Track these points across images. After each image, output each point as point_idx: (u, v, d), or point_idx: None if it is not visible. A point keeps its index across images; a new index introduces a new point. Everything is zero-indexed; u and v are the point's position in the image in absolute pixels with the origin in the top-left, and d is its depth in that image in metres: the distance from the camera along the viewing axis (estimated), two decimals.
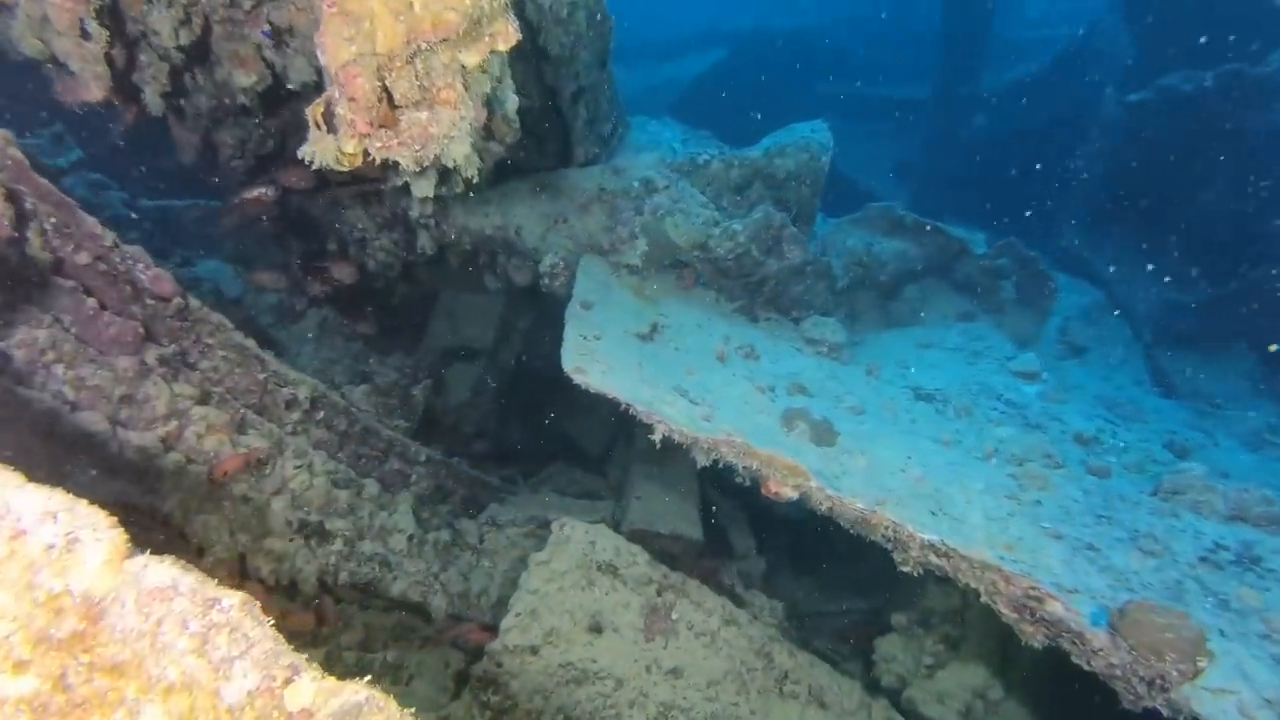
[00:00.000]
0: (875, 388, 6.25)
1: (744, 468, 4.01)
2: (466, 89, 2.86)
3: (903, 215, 7.96)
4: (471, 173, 3.67)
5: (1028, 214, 10.50)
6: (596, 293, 5.98)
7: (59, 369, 3.38)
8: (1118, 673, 3.02)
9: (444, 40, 2.46)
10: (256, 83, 4.31)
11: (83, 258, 3.74)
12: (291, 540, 4.41)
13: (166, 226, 8.68)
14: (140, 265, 3.89)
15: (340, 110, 2.51)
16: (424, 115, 2.66)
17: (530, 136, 7.37)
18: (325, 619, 4.55)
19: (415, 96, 2.54)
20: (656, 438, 4.09)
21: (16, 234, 3.27)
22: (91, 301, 3.65)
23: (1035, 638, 3.36)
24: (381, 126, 2.68)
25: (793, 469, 3.80)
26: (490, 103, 3.70)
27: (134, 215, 8.30)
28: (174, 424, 3.91)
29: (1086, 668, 3.17)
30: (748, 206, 7.33)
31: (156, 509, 3.63)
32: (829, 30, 20.80)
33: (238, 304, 7.89)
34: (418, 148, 2.81)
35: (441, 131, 2.76)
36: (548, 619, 4.93)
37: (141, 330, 3.86)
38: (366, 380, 6.73)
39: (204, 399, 4.27)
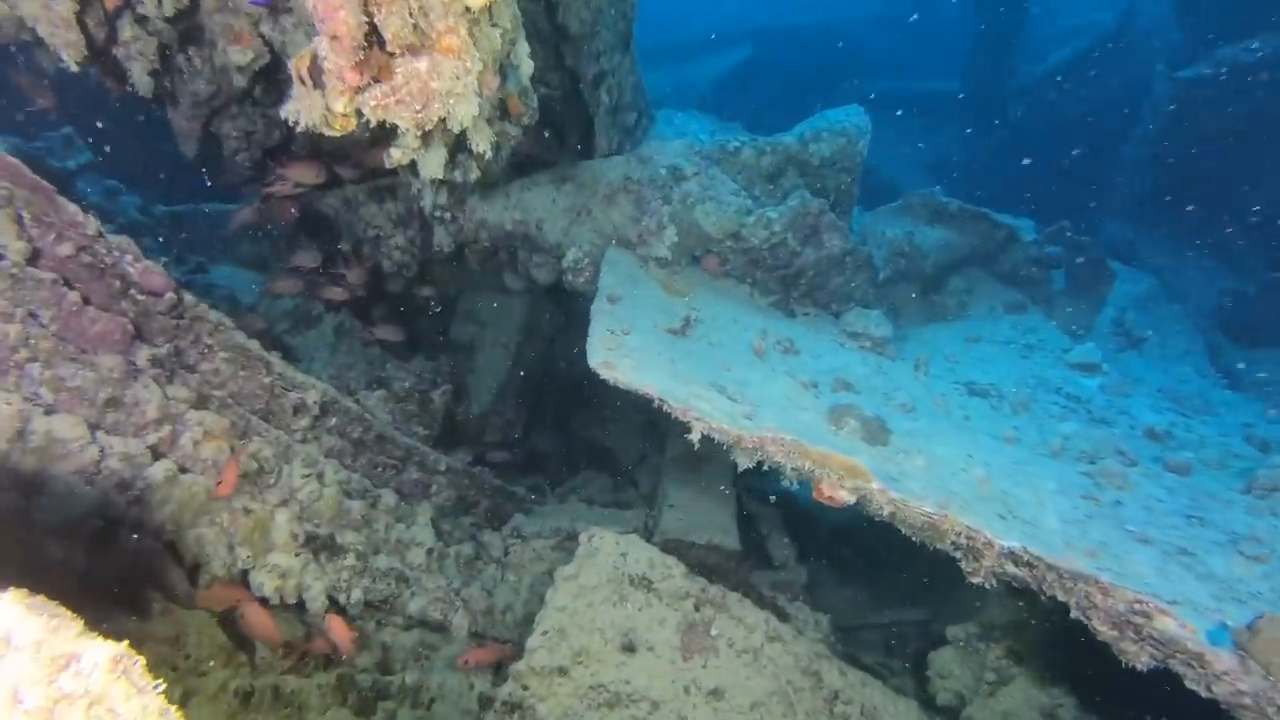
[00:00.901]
0: (924, 383, 5.81)
1: (793, 469, 3.61)
2: (473, 38, 2.50)
3: (946, 202, 7.51)
4: (484, 146, 3.33)
5: (1075, 200, 9.98)
6: (624, 286, 5.60)
7: (34, 368, 3.07)
8: (1248, 701, 2.57)
9: None
10: (253, 60, 4.01)
11: (65, 248, 3.44)
12: (298, 555, 4.07)
13: (182, 232, 8.48)
14: (128, 258, 3.58)
15: (325, 55, 2.17)
16: (423, 66, 2.31)
17: (550, 128, 7.04)
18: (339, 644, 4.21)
19: (410, 39, 2.20)
20: (694, 437, 3.70)
21: None
22: (74, 296, 3.34)
23: (1139, 658, 2.92)
24: (375, 80, 2.33)
25: (851, 469, 3.39)
26: (504, 70, 3.35)
27: (148, 220, 8.11)
28: (167, 429, 3.58)
29: (1205, 694, 2.73)
30: (781, 196, 6.94)
31: (144, 521, 3.31)
32: (855, 25, 20.34)
33: (253, 310, 7.64)
34: (418, 107, 2.45)
35: (444, 86, 2.40)
36: (577, 638, 4.56)
37: (130, 328, 3.55)
38: (383, 386, 6.41)
39: (202, 403, 3.95)
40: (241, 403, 4.47)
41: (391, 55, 2.28)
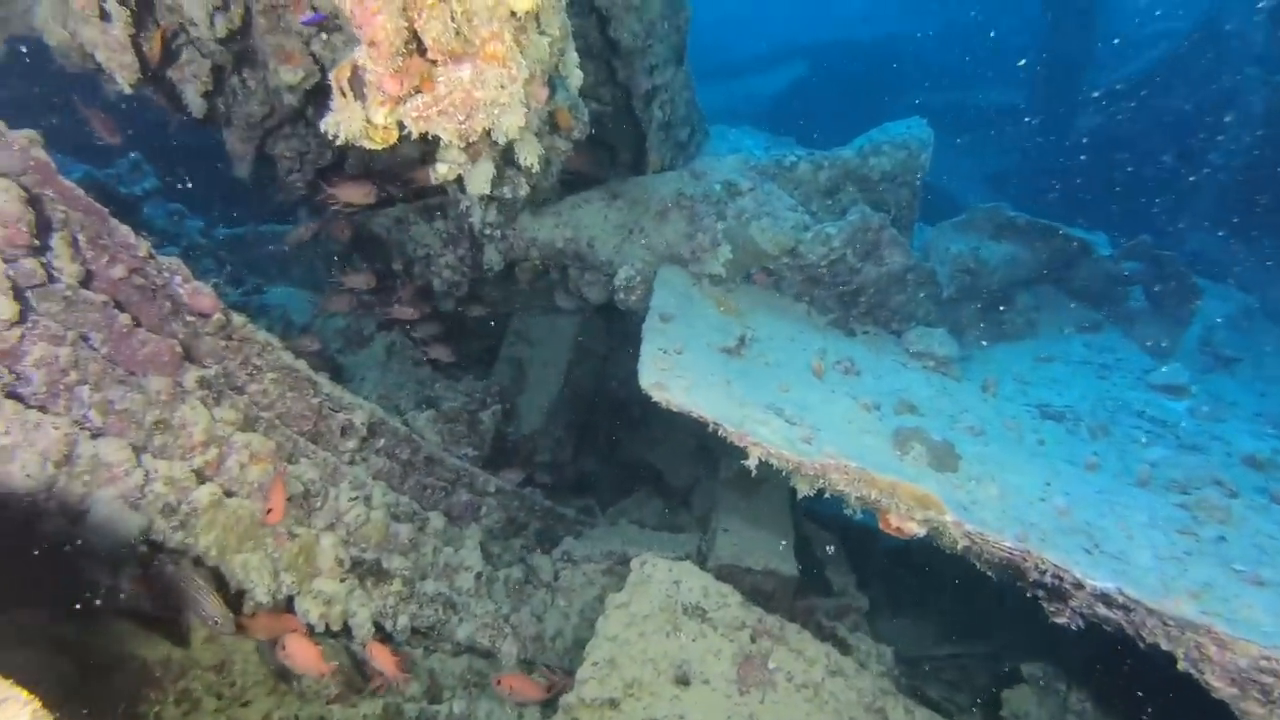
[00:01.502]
0: (993, 405, 5.50)
1: (857, 498, 3.38)
2: (519, 45, 2.38)
3: (1013, 216, 7.18)
4: (532, 160, 3.22)
5: (1151, 213, 9.50)
6: (677, 304, 5.44)
7: (84, 391, 3.04)
8: None
9: None
10: (303, 79, 3.98)
11: (117, 270, 3.43)
12: (343, 581, 3.98)
13: (241, 253, 8.62)
14: (178, 279, 3.55)
15: (364, 64, 2.07)
16: (465, 74, 2.20)
17: (602, 143, 6.95)
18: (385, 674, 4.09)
19: (452, 45, 2.08)
20: (751, 463, 3.50)
21: (38, 243, 2.96)
22: (124, 318, 3.32)
23: None
24: (416, 90, 2.22)
25: (923, 499, 3.15)
26: (553, 82, 3.24)
27: (209, 242, 8.25)
28: (214, 452, 3.53)
29: None
30: (839, 212, 6.73)
31: (188, 547, 3.25)
32: (914, 38, 19.98)
33: (307, 329, 7.70)
34: (461, 117, 2.34)
35: (488, 95, 2.28)
36: (628, 669, 4.37)
37: (179, 349, 3.52)
38: (433, 406, 6.34)
39: (249, 425, 3.90)
40: (289, 424, 4.42)
41: (433, 63, 2.18)
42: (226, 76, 4.06)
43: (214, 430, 3.53)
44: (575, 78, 3.17)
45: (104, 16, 3.06)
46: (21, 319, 2.81)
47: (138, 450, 3.16)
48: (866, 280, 6.02)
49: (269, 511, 3.47)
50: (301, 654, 3.36)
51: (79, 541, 2.81)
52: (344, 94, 2.22)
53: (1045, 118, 14.27)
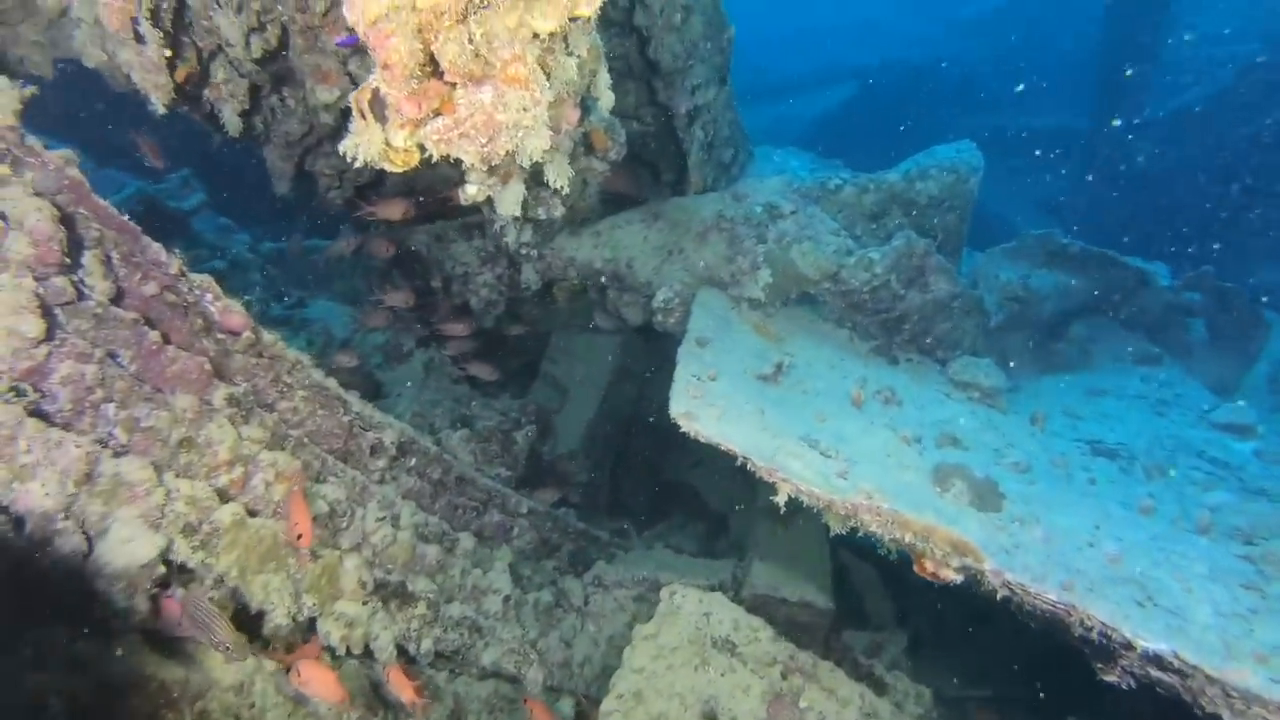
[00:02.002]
0: (1041, 441, 5.28)
1: (890, 540, 3.23)
2: (545, 67, 2.32)
3: (1066, 243, 6.94)
4: (562, 182, 3.16)
5: (1215, 244, 9.12)
6: (714, 329, 5.34)
7: (110, 409, 3.04)
8: None
9: None
10: (339, 99, 4.00)
11: (149, 288, 3.45)
12: (366, 603, 3.93)
13: (286, 267, 8.75)
14: (209, 296, 3.57)
15: (384, 89, 2.03)
16: (486, 97, 2.14)
17: (644, 166, 6.90)
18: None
19: (470, 67, 2.03)
20: (780, 499, 3.37)
21: (69, 260, 2.98)
22: (154, 335, 3.33)
23: None
24: (437, 112, 2.18)
25: (959, 545, 2.99)
26: (585, 105, 3.18)
27: (255, 256, 8.38)
28: (239, 471, 3.52)
29: None
30: (885, 236, 6.57)
31: (208, 567, 3.23)
32: (968, 60, 19.66)
33: (347, 344, 7.76)
34: (483, 140, 2.28)
35: (510, 118, 2.22)
36: (654, 703, 4.25)
37: (209, 367, 3.52)
38: (467, 424, 6.31)
39: (277, 443, 3.89)
40: (319, 442, 4.41)
41: (452, 86, 2.13)
42: (264, 95, 4.10)
43: (240, 449, 3.52)
44: (606, 99, 3.11)
45: (138, 39, 3.10)
46: (49, 336, 2.82)
47: (160, 469, 3.15)
48: (910, 307, 5.85)
49: (299, 536, 3.44)
50: (317, 680, 3.30)
51: (97, 561, 2.80)
52: (364, 116, 2.19)
53: (1104, 142, 13.87)
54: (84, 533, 2.83)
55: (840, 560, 6.89)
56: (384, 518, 4.46)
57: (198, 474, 3.37)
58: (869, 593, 7.43)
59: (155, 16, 2.77)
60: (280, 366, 4.04)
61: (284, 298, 8.46)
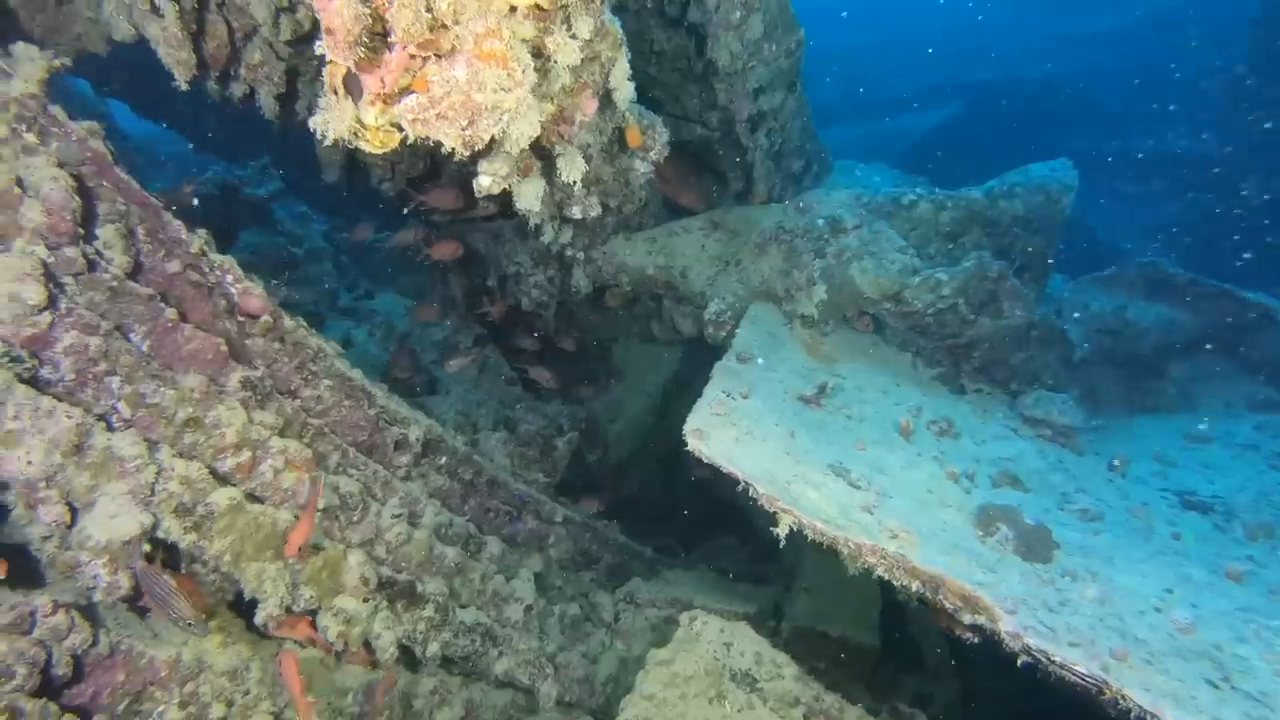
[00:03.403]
0: (1120, 487, 4.77)
1: (900, 587, 2.90)
2: (543, 49, 2.17)
3: (1173, 273, 6.33)
4: (574, 176, 2.99)
5: None
6: (760, 344, 5.07)
7: (114, 382, 3.05)
8: None
9: None
10: None
11: (173, 265, 3.46)
12: (366, 600, 3.84)
13: (360, 258, 8.92)
14: (229, 278, 3.56)
15: (329, 56, 1.90)
16: (460, 74, 1.99)
17: (711, 173, 6.69)
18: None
19: (425, 37, 1.87)
20: (781, 531, 3.08)
21: (83, 231, 3.00)
22: (171, 312, 3.33)
23: None
24: (409, 90, 2.04)
25: (971, 599, 2.63)
26: (610, 96, 3.01)
27: (330, 246, 8.57)
28: (246, 455, 3.49)
29: None
30: (973, 252, 6.16)
31: (199, 549, 3.19)
32: (1083, 78, 18.54)
33: (405, 338, 7.83)
34: (463, 123, 2.13)
35: (489, 99, 2.06)
36: None
37: (224, 347, 3.51)
38: (510, 428, 6.22)
39: (294, 429, 3.85)
40: (343, 433, 4.37)
41: (424, 60, 1.99)
42: (306, 80, 4.11)
43: (248, 433, 3.48)
44: (625, 90, 2.93)
45: (157, 11, 3.11)
46: (53, 305, 2.83)
47: (158, 446, 3.13)
48: (981, 334, 5.41)
49: (286, 546, 3.37)
50: (286, 672, 3.21)
51: (80, 533, 2.79)
52: (335, 93, 2.07)
53: (1233, 169, 12.79)
54: (68, 504, 2.81)
55: (895, 595, 6.46)
56: (400, 515, 4.38)
57: (203, 454, 3.35)
58: (926, 636, 6.95)
59: None
60: (303, 354, 4.01)
61: (354, 287, 8.61)
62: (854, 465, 3.76)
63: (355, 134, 2.15)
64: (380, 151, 2.25)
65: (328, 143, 2.19)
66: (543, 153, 3.04)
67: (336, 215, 9.01)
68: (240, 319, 3.67)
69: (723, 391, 4.04)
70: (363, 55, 1.87)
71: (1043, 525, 3.54)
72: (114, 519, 2.87)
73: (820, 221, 5.66)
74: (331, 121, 2.13)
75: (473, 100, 2.09)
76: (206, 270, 3.49)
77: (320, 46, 1.91)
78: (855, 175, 8.43)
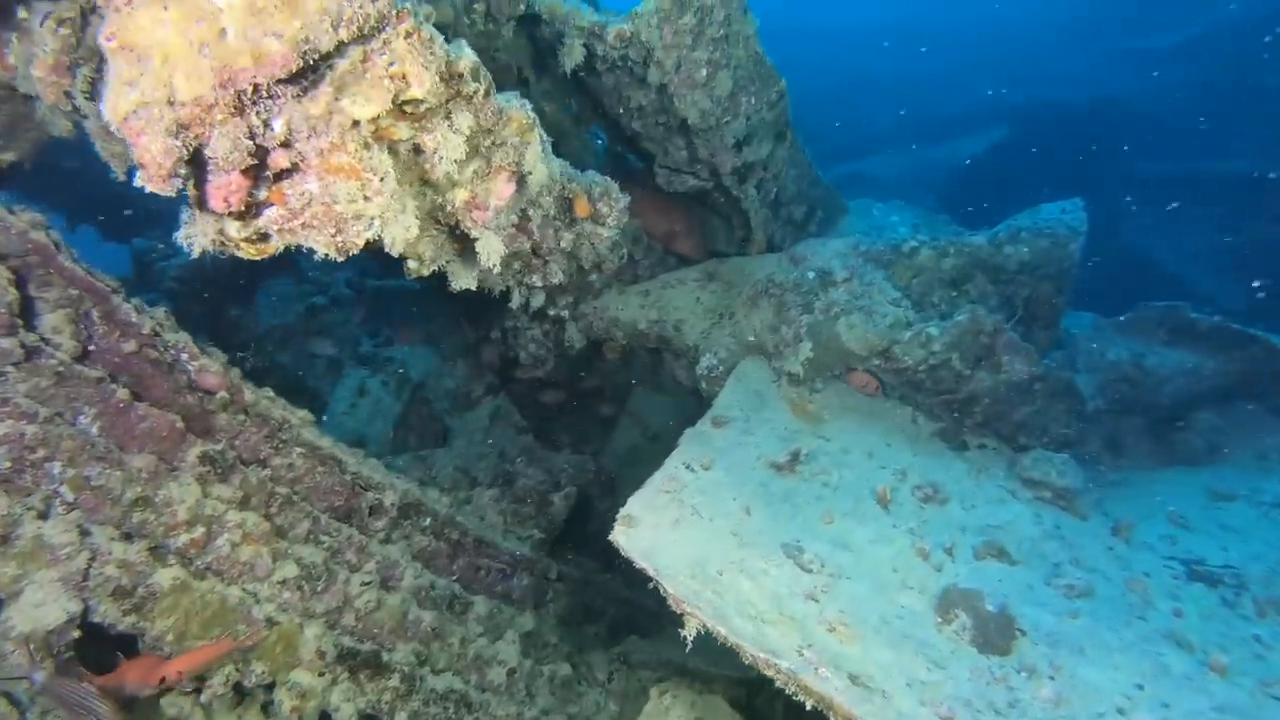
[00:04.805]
0: (1121, 555, 4.50)
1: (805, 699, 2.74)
2: (425, 147, 2.17)
3: (1195, 319, 5.99)
4: (494, 260, 2.98)
5: None
6: (743, 405, 4.97)
7: (54, 467, 3.14)
8: None
9: (283, 80, 1.80)
10: None
11: (129, 345, 3.56)
12: (322, 675, 3.85)
13: (386, 306, 9.09)
14: (184, 355, 3.65)
15: (145, 184, 1.92)
16: (313, 187, 2.00)
17: (721, 220, 6.63)
18: None
19: (245, 162, 1.88)
20: (688, 634, 2.96)
21: (21, 321, 3.11)
22: (122, 393, 3.43)
23: None
24: (267, 202, 2.05)
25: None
26: (525, 178, 3.00)
27: (355, 293, 8.77)
28: (200, 531, 3.55)
29: None
30: (967, 305, 5.95)
31: (142, 632, 3.25)
32: (1142, 98, 17.82)
33: (420, 386, 7.93)
34: (331, 231, 2.14)
35: (351, 210, 2.07)
36: None
37: (180, 424, 3.59)
38: (509, 482, 6.21)
39: (255, 500, 3.91)
40: (318, 499, 4.42)
41: (279, 176, 2.00)
42: None
43: (201, 509, 3.55)
44: (539, 174, 2.91)
45: (79, 113, 3.22)
46: None
47: (97, 529, 3.21)
48: (980, 389, 5.20)
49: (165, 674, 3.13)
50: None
51: (5, 623, 2.86)
52: (196, 206, 2.11)
53: None
54: None
55: None
56: (371, 582, 4.40)
57: (153, 533, 3.42)
58: None
59: (93, 89, 2.87)
60: (271, 424, 4.08)
61: (376, 335, 8.77)
62: (812, 543, 3.63)
63: (222, 245, 2.18)
64: (258, 257, 2.27)
65: (195, 254, 2.22)
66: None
67: (364, 262, 9.23)
68: (198, 395, 3.75)
69: (683, 464, 3.96)
70: (183, 185, 1.89)
71: (1005, 613, 3.35)
72: (39, 608, 2.93)
73: (811, 274, 5.54)
74: (195, 235, 2.16)
75: (334, 211, 2.10)
76: (162, 349, 3.58)
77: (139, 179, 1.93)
78: (872, 215, 8.26)
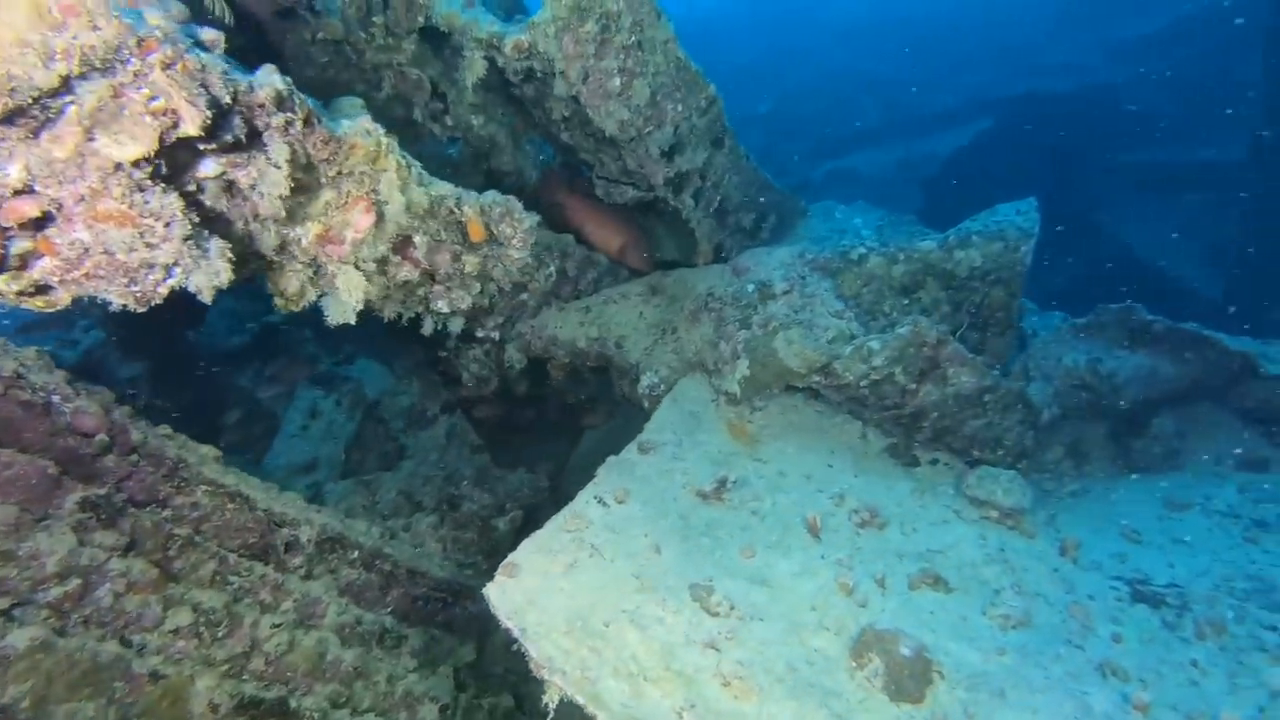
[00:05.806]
0: (1066, 577, 4.32)
1: None
2: (242, 183, 1.98)
3: (1149, 321, 5.79)
4: (356, 296, 2.80)
5: None
6: (676, 428, 4.80)
7: None
8: None
9: (18, 110, 1.61)
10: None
11: None
12: None
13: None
14: (56, 398, 3.47)
15: None
16: (83, 236, 1.82)
17: (681, 228, 6.43)
18: None
19: None
20: (550, 702, 2.78)
21: None
22: None
23: None
24: (38, 253, 1.87)
25: None
26: (382, 209, 2.81)
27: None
28: (75, 583, 3.37)
29: None
30: (919, 313, 5.76)
31: None
32: (1124, 88, 17.59)
33: (375, 405, 7.75)
34: (123, 281, 1.96)
35: (137, 259, 1.89)
36: None
37: (54, 471, 3.41)
38: (454, 506, 6.04)
39: (149, 544, 3.73)
40: (229, 538, 4.25)
41: (37, 225, 1.83)
42: None
43: (74, 560, 3.37)
44: (396, 203, 2.72)
45: None
46: None
47: None
48: (926, 403, 5.00)
49: None
50: None
51: None
52: None
53: (1267, 174, 11.93)
54: None
55: None
56: (282, 624, 4.22)
57: (18, 589, 3.23)
58: None
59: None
60: (165, 465, 3.89)
61: (337, 351, 8.59)
62: (726, 581, 3.45)
63: (9, 298, 2.00)
64: (52, 310, 2.09)
65: None
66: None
67: None
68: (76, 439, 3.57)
69: (594, 497, 3.78)
70: None
71: (922, 655, 3.16)
72: None
73: (750, 287, 5.35)
74: None
75: (118, 260, 1.92)
76: (32, 391, 3.40)
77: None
78: (834, 218, 8.05)
